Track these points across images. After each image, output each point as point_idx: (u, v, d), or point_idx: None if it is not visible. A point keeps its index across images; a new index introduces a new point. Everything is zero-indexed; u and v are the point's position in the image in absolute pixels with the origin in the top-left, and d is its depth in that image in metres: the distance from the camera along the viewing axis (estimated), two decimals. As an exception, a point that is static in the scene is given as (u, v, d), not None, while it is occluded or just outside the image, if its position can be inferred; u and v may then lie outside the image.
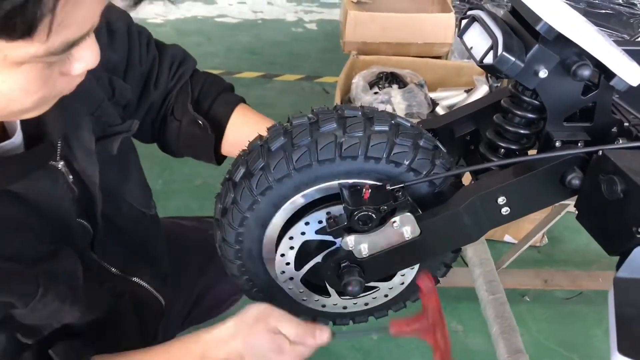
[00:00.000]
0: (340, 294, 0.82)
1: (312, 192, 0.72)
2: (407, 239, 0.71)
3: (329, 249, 0.76)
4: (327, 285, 0.79)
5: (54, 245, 0.72)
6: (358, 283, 0.73)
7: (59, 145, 0.73)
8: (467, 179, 0.77)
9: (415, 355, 1.78)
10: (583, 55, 0.63)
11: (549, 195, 0.71)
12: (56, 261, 0.72)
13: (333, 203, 0.72)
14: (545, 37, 0.62)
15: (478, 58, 0.66)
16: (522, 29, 0.66)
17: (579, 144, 0.70)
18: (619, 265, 0.63)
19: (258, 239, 0.76)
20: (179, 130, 0.97)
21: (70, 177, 0.75)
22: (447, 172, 0.71)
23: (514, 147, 0.74)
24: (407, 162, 0.70)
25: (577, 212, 0.70)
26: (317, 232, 0.74)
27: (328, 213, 0.72)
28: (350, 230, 0.70)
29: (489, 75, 0.78)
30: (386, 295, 0.84)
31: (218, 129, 0.96)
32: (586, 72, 0.63)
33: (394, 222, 0.70)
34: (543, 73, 0.65)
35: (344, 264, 0.74)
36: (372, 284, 0.80)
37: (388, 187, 0.70)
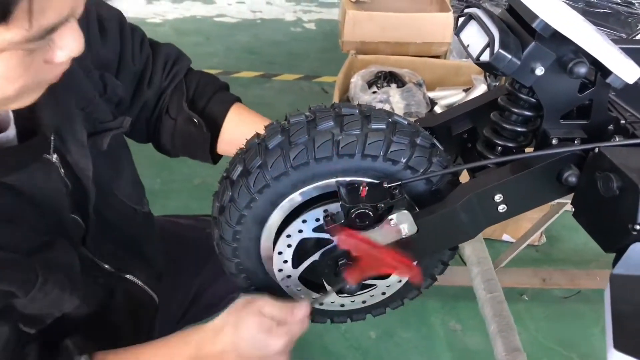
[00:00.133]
0: (338, 291, 0.82)
1: (310, 190, 0.72)
2: (404, 236, 0.71)
3: (327, 247, 0.76)
4: (325, 283, 0.80)
5: (48, 237, 0.73)
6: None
7: (52, 138, 0.73)
8: (465, 177, 0.77)
9: (414, 354, 1.79)
10: (579, 52, 0.64)
11: (545, 192, 0.71)
12: (52, 251, 0.72)
13: (330, 201, 0.72)
14: (541, 35, 0.62)
15: (475, 56, 0.66)
16: (519, 26, 0.66)
17: (576, 142, 0.70)
18: (615, 262, 0.64)
19: (255, 236, 0.76)
20: (174, 128, 0.97)
21: (63, 170, 0.75)
22: (444, 170, 0.72)
23: (510, 144, 0.75)
24: (404, 160, 0.70)
25: (573, 209, 0.70)
26: (314, 230, 0.74)
27: (325, 211, 0.72)
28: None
29: (487, 74, 0.78)
30: (384, 293, 0.84)
31: (214, 127, 0.96)
32: (582, 70, 0.63)
33: (391, 219, 0.70)
34: (539, 70, 0.65)
35: (341, 262, 0.75)
36: (369, 281, 0.81)
37: (385, 185, 0.70)
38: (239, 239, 0.76)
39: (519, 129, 0.73)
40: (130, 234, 0.92)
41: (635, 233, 0.60)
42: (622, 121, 0.71)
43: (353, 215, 0.69)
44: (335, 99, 1.97)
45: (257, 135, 0.75)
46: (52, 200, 0.73)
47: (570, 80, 0.66)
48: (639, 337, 0.56)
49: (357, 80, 2.08)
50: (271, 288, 0.82)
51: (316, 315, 0.87)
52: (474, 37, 0.67)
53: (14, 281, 0.68)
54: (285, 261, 0.77)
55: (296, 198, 0.73)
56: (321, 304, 0.82)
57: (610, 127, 0.72)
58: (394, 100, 2.03)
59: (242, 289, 0.85)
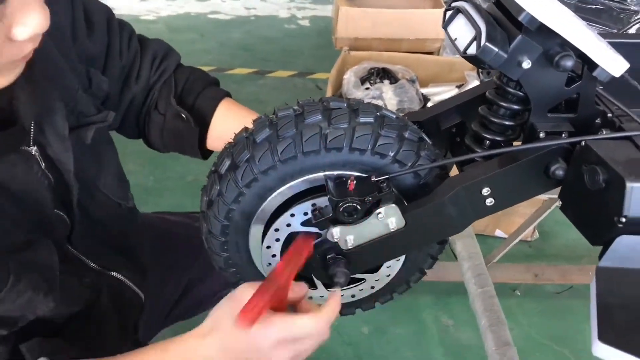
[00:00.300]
0: (327, 285, 0.82)
1: (298, 183, 0.72)
2: (392, 230, 0.71)
3: (315, 241, 0.76)
4: (313, 277, 0.80)
5: (30, 235, 0.72)
6: (344, 275, 0.74)
7: (31, 129, 0.72)
8: (455, 172, 0.77)
9: (407, 350, 1.79)
10: (566, 46, 0.64)
11: (533, 186, 0.71)
12: (31, 251, 0.71)
13: (319, 195, 0.72)
14: (528, 28, 0.62)
15: (462, 49, 0.66)
16: (506, 20, 0.66)
17: (563, 135, 0.70)
18: (601, 255, 0.64)
19: (244, 231, 0.76)
20: (163, 124, 0.97)
21: (44, 164, 0.74)
22: (431, 164, 0.72)
23: (499, 138, 0.75)
24: (392, 154, 0.70)
25: (560, 203, 0.70)
26: (302, 223, 0.74)
27: (313, 205, 0.72)
28: (335, 222, 0.71)
29: (480, 70, 0.79)
30: (372, 287, 0.84)
31: (203, 122, 0.96)
32: (569, 63, 0.63)
33: (379, 213, 0.70)
34: (526, 64, 0.65)
35: (329, 256, 0.75)
36: (358, 275, 0.81)
37: (373, 179, 0.70)
38: (228, 233, 0.76)
39: (507, 123, 0.73)
40: (116, 230, 0.92)
41: (621, 226, 0.60)
42: (609, 115, 0.71)
43: (341, 209, 0.69)
44: (328, 96, 1.97)
45: (245, 129, 0.75)
46: (33, 195, 0.72)
47: (557, 73, 0.66)
48: (623, 329, 0.57)
49: (350, 77, 2.08)
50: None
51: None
52: (461, 31, 0.67)
53: None
54: (274, 255, 0.77)
55: (284, 192, 0.73)
56: (310, 297, 0.82)
57: (598, 120, 0.72)
58: (387, 96, 2.03)
59: (232, 284, 0.85)
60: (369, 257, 0.74)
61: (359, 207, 0.69)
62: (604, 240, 0.63)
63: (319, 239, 0.76)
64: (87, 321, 0.84)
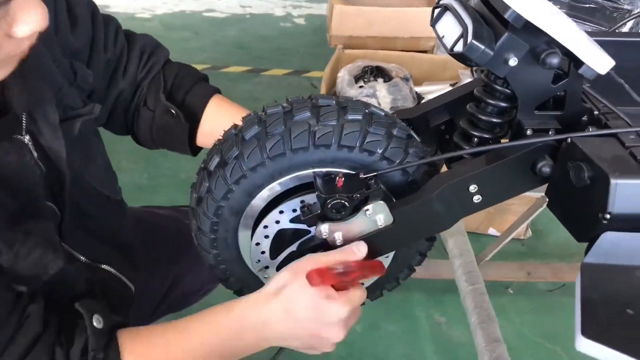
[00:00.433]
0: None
1: (287, 180, 0.72)
2: (380, 226, 0.72)
3: (304, 238, 0.77)
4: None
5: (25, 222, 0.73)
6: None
7: (23, 119, 0.73)
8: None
9: (399, 347, 1.79)
10: (552, 43, 0.64)
11: (520, 183, 0.71)
12: (31, 222, 0.72)
13: (307, 191, 0.73)
14: (514, 26, 0.62)
15: (449, 46, 0.66)
16: (493, 17, 0.66)
17: (550, 132, 0.71)
18: (587, 251, 0.64)
19: (233, 228, 0.77)
20: (152, 120, 0.97)
21: (36, 154, 0.75)
22: (419, 161, 0.72)
23: (487, 136, 0.75)
24: (380, 151, 0.71)
25: (547, 199, 0.71)
26: (291, 220, 0.74)
27: (302, 201, 0.73)
28: (324, 219, 0.71)
29: (473, 69, 0.79)
30: (362, 284, 0.84)
31: (193, 119, 0.96)
32: (555, 60, 0.64)
33: (367, 210, 0.70)
34: (513, 61, 0.65)
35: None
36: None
37: (361, 176, 0.70)
38: (217, 230, 0.76)
39: (494, 120, 0.74)
40: (104, 222, 0.92)
41: (605, 222, 0.61)
42: (596, 112, 0.71)
43: (329, 206, 0.69)
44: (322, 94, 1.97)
45: (235, 126, 0.75)
46: (25, 183, 0.73)
47: (543, 71, 0.67)
48: (606, 324, 0.57)
49: (344, 75, 2.08)
50: (249, 279, 0.83)
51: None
52: (449, 28, 0.68)
53: None
54: (263, 252, 0.77)
55: (273, 189, 0.73)
56: None
57: (585, 118, 0.73)
58: (381, 94, 2.03)
59: (221, 280, 0.85)
60: (357, 253, 0.75)
61: (347, 203, 0.70)
62: (590, 236, 0.64)
63: (307, 238, 0.76)
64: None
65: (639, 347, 0.55)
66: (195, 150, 1.01)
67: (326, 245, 0.73)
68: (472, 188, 0.70)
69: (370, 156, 0.71)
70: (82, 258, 0.85)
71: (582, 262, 0.63)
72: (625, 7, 2.08)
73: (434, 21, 0.71)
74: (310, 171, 0.72)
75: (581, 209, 0.64)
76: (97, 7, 0.92)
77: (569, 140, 0.65)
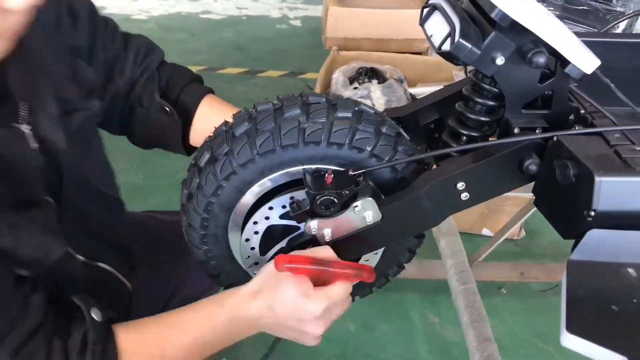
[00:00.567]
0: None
1: (276, 177, 0.73)
2: (369, 223, 0.72)
3: (293, 234, 0.77)
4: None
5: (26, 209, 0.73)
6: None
7: (23, 108, 0.74)
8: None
9: (393, 347, 1.80)
10: (539, 42, 0.65)
11: (507, 181, 0.72)
12: (31, 212, 0.73)
13: (297, 188, 0.73)
14: (501, 25, 0.63)
15: (436, 45, 0.67)
16: (481, 17, 0.67)
17: (537, 131, 0.71)
18: (573, 249, 0.65)
19: (223, 224, 0.77)
20: (147, 119, 0.97)
21: (36, 145, 0.75)
22: (407, 158, 0.73)
23: (475, 134, 0.76)
24: (369, 148, 0.71)
25: (534, 197, 0.71)
26: (281, 216, 0.75)
27: (291, 198, 0.73)
28: (313, 215, 0.72)
29: (467, 70, 0.79)
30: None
31: (186, 117, 0.97)
32: (541, 60, 0.65)
33: (356, 206, 0.71)
34: (500, 60, 0.66)
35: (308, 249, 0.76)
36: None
37: (350, 173, 0.71)
38: (207, 226, 0.77)
39: (482, 119, 0.74)
40: (101, 219, 0.93)
41: (590, 219, 0.61)
42: (582, 111, 0.72)
43: (318, 202, 0.70)
44: (316, 94, 1.97)
45: (225, 123, 0.75)
46: (23, 172, 0.73)
47: (530, 70, 0.67)
48: (590, 320, 0.58)
49: (338, 76, 2.09)
50: (240, 275, 0.83)
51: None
52: (437, 27, 0.68)
53: None
54: (253, 248, 0.78)
55: (263, 185, 0.74)
56: None
57: (571, 117, 0.73)
58: (375, 96, 2.04)
59: (212, 276, 0.86)
60: (346, 250, 0.75)
61: (336, 200, 0.70)
62: (575, 234, 0.65)
63: (297, 234, 0.76)
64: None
65: (623, 342, 0.56)
66: (189, 149, 1.01)
67: (315, 241, 0.74)
68: (460, 185, 0.71)
69: (360, 153, 0.71)
70: (78, 255, 0.86)
71: (568, 259, 0.64)
72: (618, 9, 2.09)
73: (422, 20, 0.72)
74: (300, 168, 0.72)
75: (567, 207, 0.65)
76: (96, 7, 0.93)
77: (555, 138, 0.66)
